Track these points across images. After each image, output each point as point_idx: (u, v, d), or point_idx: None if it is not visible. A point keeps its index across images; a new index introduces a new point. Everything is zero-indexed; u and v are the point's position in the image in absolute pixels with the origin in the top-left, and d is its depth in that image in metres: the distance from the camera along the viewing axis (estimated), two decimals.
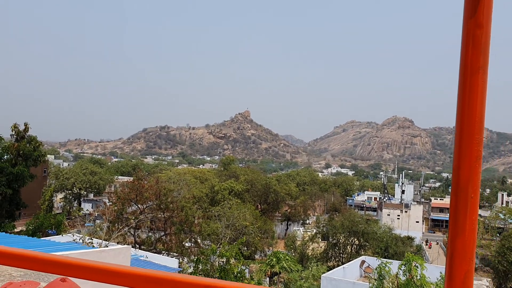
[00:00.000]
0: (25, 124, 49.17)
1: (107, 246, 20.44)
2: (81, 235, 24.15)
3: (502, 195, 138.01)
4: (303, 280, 35.72)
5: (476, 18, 1.34)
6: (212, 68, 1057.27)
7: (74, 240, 22.45)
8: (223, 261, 33.44)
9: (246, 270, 38.85)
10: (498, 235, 75.20)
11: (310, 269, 38.78)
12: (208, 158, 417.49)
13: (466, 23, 1.35)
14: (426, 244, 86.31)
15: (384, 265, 25.01)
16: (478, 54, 1.34)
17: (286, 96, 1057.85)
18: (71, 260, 1.98)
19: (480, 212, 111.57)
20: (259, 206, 78.90)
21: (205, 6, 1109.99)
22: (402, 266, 23.94)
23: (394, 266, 25.39)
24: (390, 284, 24.39)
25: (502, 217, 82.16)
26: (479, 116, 1.35)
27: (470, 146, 1.35)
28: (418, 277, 23.30)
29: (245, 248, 45.83)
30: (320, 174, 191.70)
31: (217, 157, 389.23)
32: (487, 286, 40.69)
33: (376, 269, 25.40)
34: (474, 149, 1.35)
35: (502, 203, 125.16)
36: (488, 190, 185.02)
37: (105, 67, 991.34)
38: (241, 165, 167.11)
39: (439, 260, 68.19)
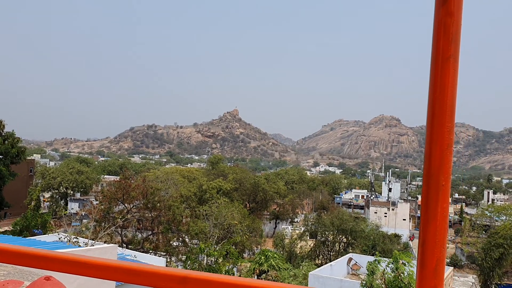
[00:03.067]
0: (0, 121, 47.70)
1: (93, 245, 20.31)
2: (67, 235, 23.95)
3: (488, 193, 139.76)
4: (292, 278, 35.82)
5: (447, 7, 1.35)
6: (200, 67, 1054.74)
7: (59, 239, 22.26)
8: (211, 260, 33.45)
9: (235, 269, 38.90)
10: (484, 232, 76.04)
11: (301, 267, 38.91)
12: (196, 157, 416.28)
13: (437, 11, 1.36)
14: (409, 238, 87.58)
15: (377, 262, 25.23)
16: (449, 43, 1.35)
17: (275, 95, 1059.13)
18: (56, 255, 1.96)
19: (466, 209, 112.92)
20: (247, 204, 78.86)
21: (193, 7, 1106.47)
22: (390, 264, 24.18)
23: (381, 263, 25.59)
24: (378, 280, 24.61)
25: (488, 214, 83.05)
26: (450, 104, 1.36)
27: (442, 134, 1.36)
28: (406, 274, 23.55)
29: (233, 247, 45.78)
30: (308, 172, 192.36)
31: (206, 156, 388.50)
32: (473, 283, 41.20)
33: (369, 265, 25.58)
34: (446, 137, 1.36)
35: (488, 201, 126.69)
36: (474, 188, 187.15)
37: (92, 66, 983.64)
38: (229, 164, 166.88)
39: None
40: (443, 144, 1.36)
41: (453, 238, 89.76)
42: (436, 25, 1.36)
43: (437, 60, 1.36)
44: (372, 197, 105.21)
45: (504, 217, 77.49)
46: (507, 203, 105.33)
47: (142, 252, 35.73)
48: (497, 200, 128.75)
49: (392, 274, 23.64)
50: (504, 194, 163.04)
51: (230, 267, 36.38)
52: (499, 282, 58.69)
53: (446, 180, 1.36)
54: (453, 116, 1.37)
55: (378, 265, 24.98)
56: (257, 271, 37.86)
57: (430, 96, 1.38)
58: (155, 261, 30.46)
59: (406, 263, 23.45)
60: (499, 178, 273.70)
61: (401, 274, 23.48)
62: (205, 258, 33.84)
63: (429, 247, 1.37)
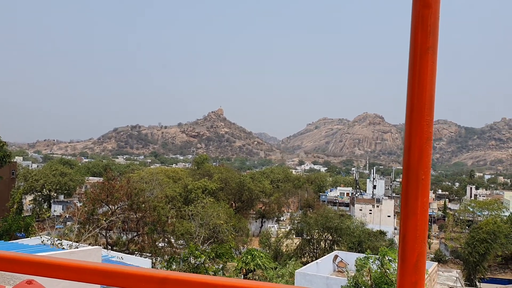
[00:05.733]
0: None
1: (77, 248, 20.07)
2: (50, 237, 23.64)
3: (471, 188, 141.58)
4: (280, 278, 35.85)
5: None
6: (184, 66, 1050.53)
7: (42, 242, 21.97)
8: (199, 261, 33.38)
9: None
10: (467, 227, 77.14)
11: (288, 266, 38.97)
12: (181, 157, 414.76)
13: (415, 3, 1.35)
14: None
15: (365, 259, 25.39)
16: (427, 35, 1.34)
17: (259, 94, 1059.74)
18: (39, 258, 1.90)
19: (449, 205, 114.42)
20: (233, 204, 78.82)
21: (180, 8, 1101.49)
22: (376, 260, 24.36)
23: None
24: (365, 277, 24.78)
25: (471, 210, 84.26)
26: (429, 97, 1.35)
27: (421, 127, 1.34)
28: (392, 271, 23.74)
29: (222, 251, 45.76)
30: (293, 171, 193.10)
31: (190, 156, 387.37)
32: (457, 278, 41.71)
33: (358, 262, 25.72)
34: (425, 130, 1.34)
35: (470, 197, 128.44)
36: (457, 184, 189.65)
37: (73, 66, 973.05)
38: (215, 163, 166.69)
39: None
40: (422, 137, 1.35)
41: (437, 233, 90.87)
42: (414, 17, 1.35)
43: (416, 52, 1.35)
44: (357, 195, 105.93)
45: (487, 212, 78.70)
46: (489, 198, 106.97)
47: (128, 253, 35.48)
48: (480, 196, 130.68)
49: (379, 271, 23.84)
50: (486, 190, 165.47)
51: (219, 266, 36.37)
52: (482, 277, 59.60)
53: (426, 174, 1.35)
54: (432, 109, 1.35)
55: (367, 262, 25.18)
56: (244, 271, 37.85)
57: (408, 89, 1.36)
58: (140, 263, 30.30)
59: (393, 259, 23.66)
60: (481, 174, 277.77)
61: (387, 270, 23.68)
62: (192, 259, 33.75)
63: (409, 242, 1.35)
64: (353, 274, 25.79)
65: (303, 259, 54.09)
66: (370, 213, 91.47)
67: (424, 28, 1.35)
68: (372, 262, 24.39)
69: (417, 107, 1.35)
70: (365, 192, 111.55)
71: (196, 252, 33.03)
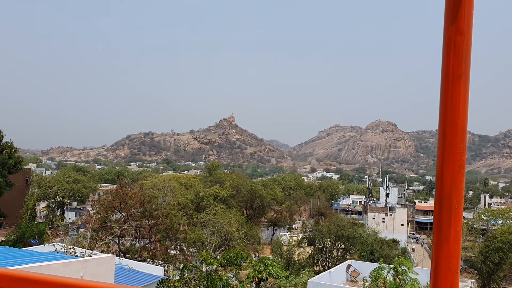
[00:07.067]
0: None
1: (91, 256, 20.17)
2: (63, 245, 23.77)
3: (485, 197, 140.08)
4: (293, 287, 35.63)
5: (457, 25, 1.32)
6: (196, 73, 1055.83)
7: (56, 250, 22.10)
8: (210, 269, 33.31)
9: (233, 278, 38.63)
10: (481, 236, 76.22)
11: (302, 275, 38.72)
12: (193, 164, 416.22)
13: (447, 29, 1.33)
14: (417, 242, 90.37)
15: (380, 269, 25.20)
16: (460, 61, 1.32)
17: (271, 101, 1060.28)
18: (34, 276, 1.90)
19: (463, 214, 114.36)
20: (244, 211, 78.75)
21: (188, 11, 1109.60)
22: (391, 270, 24.15)
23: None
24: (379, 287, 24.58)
25: (485, 218, 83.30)
26: (461, 125, 1.33)
27: (453, 155, 1.32)
28: (407, 281, 23.49)
29: (231, 255, 45.71)
30: (305, 178, 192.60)
31: (202, 163, 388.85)
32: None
33: (373, 272, 25.54)
34: (457, 158, 1.33)
35: (484, 205, 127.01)
36: (471, 192, 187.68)
37: (88, 73, 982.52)
38: (226, 170, 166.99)
39: (424, 262, 68.85)
40: (455, 165, 1.33)
41: None
42: (445, 43, 1.33)
43: (447, 79, 1.33)
44: (370, 203, 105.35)
45: (501, 221, 77.71)
46: (503, 207, 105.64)
47: (140, 261, 35.56)
48: (494, 204, 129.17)
49: (393, 281, 23.60)
50: (500, 198, 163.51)
51: (232, 274, 36.24)
52: (497, 287, 58.73)
53: (459, 203, 1.33)
54: (464, 137, 1.33)
55: (382, 272, 24.98)
56: (256, 279, 37.68)
57: (440, 116, 1.35)
58: (153, 270, 30.37)
59: (408, 269, 23.40)
60: (495, 182, 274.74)
61: (401, 281, 23.43)
62: (204, 266, 33.71)
63: (442, 272, 1.33)
64: (367, 284, 25.58)
65: (315, 268, 53.76)
66: (383, 222, 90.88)
67: (457, 55, 1.34)
68: (387, 272, 24.16)
69: (450, 135, 1.35)
70: (378, 200, 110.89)
71: (209, 260, 33.01)
